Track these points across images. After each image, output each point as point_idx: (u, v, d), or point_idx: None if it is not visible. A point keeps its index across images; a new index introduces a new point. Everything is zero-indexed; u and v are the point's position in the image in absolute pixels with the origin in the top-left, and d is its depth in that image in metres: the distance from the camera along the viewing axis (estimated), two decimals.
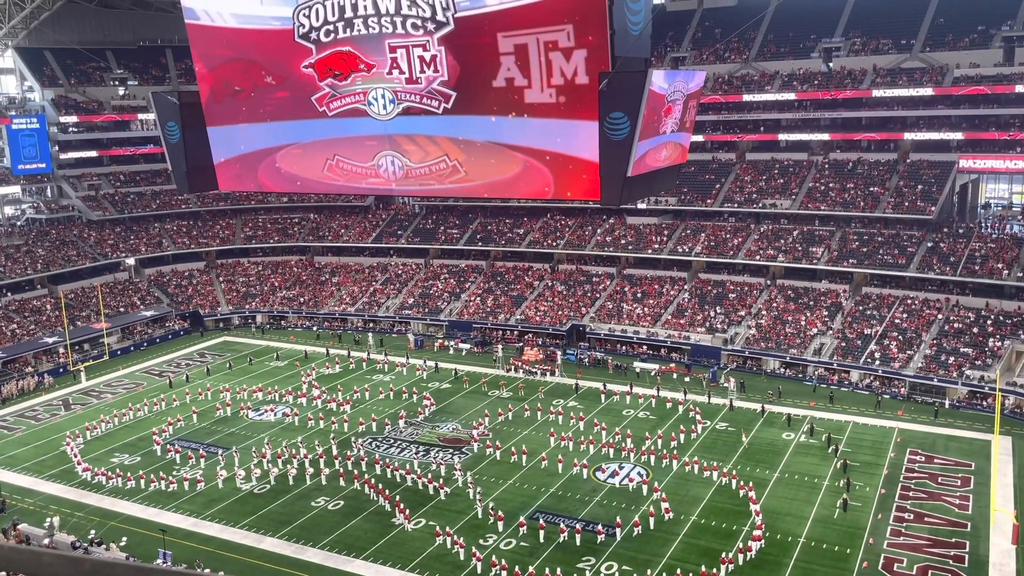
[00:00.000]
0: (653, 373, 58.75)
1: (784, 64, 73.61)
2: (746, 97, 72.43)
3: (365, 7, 22.07)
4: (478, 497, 40.19)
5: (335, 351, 67.47)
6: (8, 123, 77.69)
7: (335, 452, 46.22)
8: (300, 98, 24.74)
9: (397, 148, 23.99)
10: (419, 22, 21.53)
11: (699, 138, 74.32)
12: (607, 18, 19.75)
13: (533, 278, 74.74)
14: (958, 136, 65.82)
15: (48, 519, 38.39)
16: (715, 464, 43.00)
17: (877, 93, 66.85)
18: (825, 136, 71.52)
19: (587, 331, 66.78)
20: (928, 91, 65.26)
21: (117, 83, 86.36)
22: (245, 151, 27.15)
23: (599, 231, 74.95)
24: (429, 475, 42.93)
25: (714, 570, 33.48)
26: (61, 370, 63.38)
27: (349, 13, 22.41)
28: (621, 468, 43.74)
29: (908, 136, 67.75)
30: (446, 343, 68.29)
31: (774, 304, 64.22)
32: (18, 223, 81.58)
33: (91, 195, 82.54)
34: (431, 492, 41.44)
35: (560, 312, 69.09)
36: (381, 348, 67.61)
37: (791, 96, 70.47)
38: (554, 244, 75.68)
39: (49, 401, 57.64)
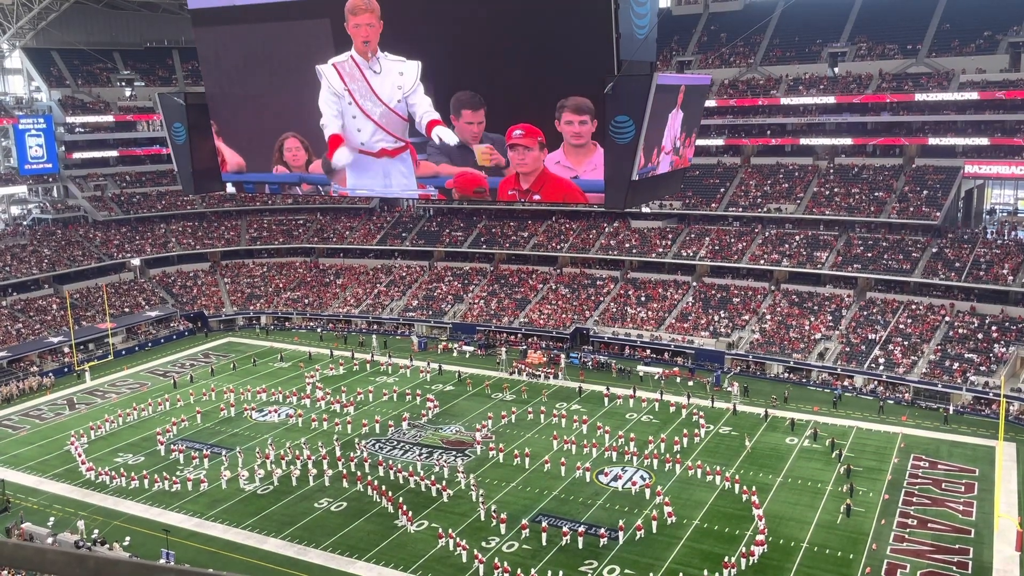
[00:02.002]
0: (656, 377, 58.69)
1: (790, 68, 73.59)
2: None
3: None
4: (481, 500, 40.18)
5: (339, 353, 67.53)
6: (15, 123, 77.98)
7: (338, 454, 46.28)
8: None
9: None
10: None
11: (704, 142, 74.32)
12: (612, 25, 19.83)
13: (537, 281, 74.75)
14: (968, 141, 65.49)
15: (51, 519, 38.52)
16: (718, 468, 42.94)
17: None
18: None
19: (591, 334, 66.76)
20: (933, 96, 65.08)
21: (124, 84, 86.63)
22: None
23: (603, 235, 74.95)
24: (432, 477, 42.96)
25: (716, 574, 33.45)
26: (66, 369, 63.54)
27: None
28: (624, 472, 43.70)
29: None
30: (450, 345, 68.32)
31: (778, 308, 64.14)
32: (24, 223, 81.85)
33: (97, 195, 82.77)
34: (434, 494, 41.44)
35: (564, 315, 69.08)
36: (385, 350, 67.65)
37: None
38: (558, 247, 75.69)
39: (54, 400, 57.77)
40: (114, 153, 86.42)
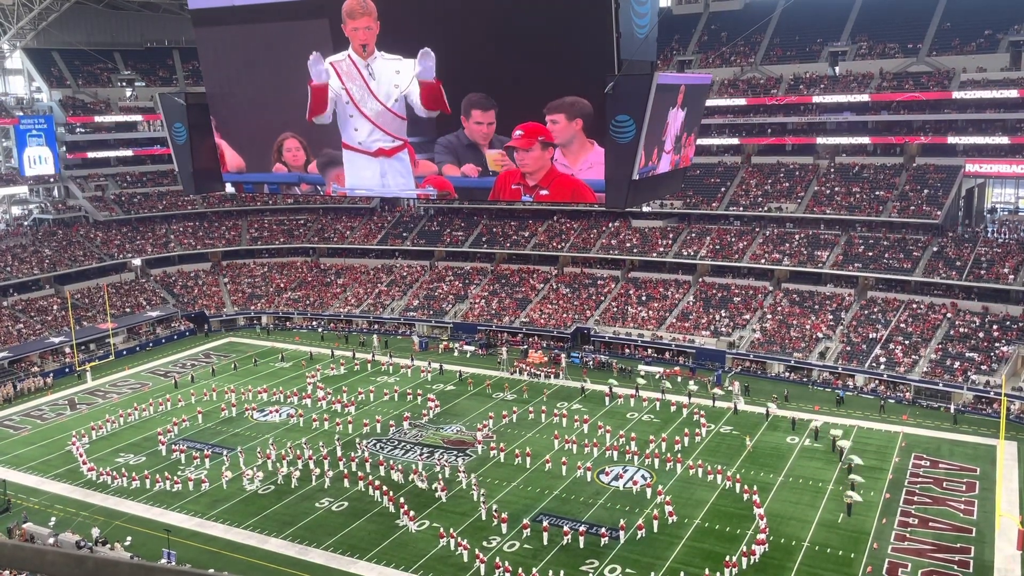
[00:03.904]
0: (657, 376, 58.64)
1: (790, 68, 73.54)
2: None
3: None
4: (482, 499, 40.19)
5: (340, 352, 67.53)
6: (16, 123, 78.02)
7: (339, 453, 46.30)
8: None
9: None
10: None
11: (710, 141, 74.39)
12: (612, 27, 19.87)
13: (538, 281, 74.75)
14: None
15: (52, 519, 38.53)
16: (719, 467, 42.93)
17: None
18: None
19: (592, 334, 66.74)
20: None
21: (124, 84, 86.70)
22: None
23: (604, 234, 74.93)
24: (427, 474, 42.91)
25: (717, 574, 33.45)
26: (67, 370, 63.56)
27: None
28: (625, 471, 43.69)
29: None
30: (451, 345, 68.32)
31: (779, 308, 64.11)
32: (25, 223, 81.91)
33: (98, 196, 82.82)
34: (436, 494, 41.40)
35: (565, 315, 69.07)
36: (386, 350, 67.66)
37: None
38: (559, 247, 75.68)
39: (55, 401, 57.80)
40: (115, 153, 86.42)
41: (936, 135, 66.80)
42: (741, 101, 72.69)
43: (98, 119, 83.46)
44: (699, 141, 72.70)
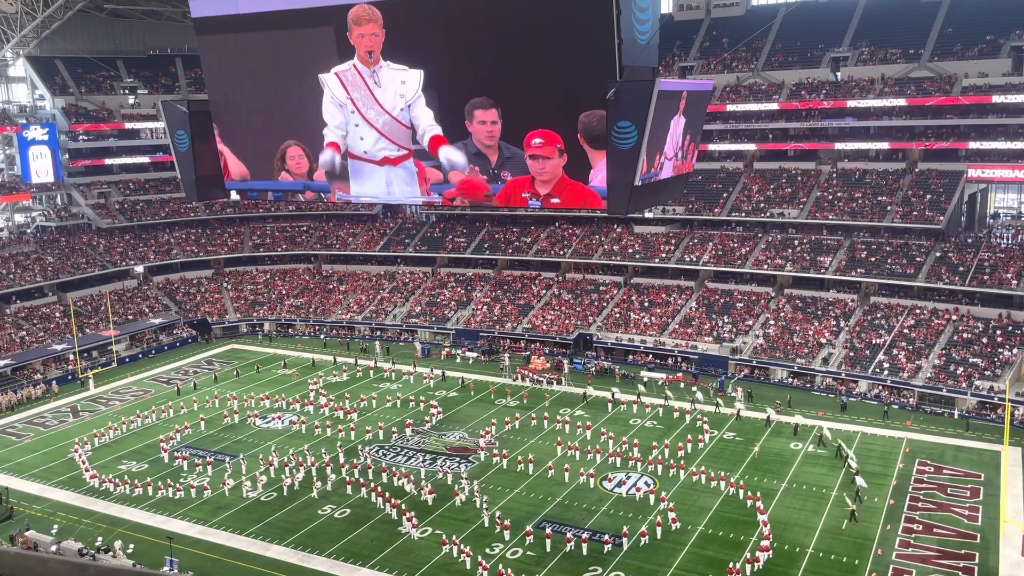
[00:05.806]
0: (660, 382, 58.54)
1: (792, 73, 73.60)
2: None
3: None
4: (484, 506, 40.11)
5: (342, 359, 67.48)
6: (19, 131, 78.20)
7: (342, 460, 46.24)
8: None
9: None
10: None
11: (716, 147, 74.40)
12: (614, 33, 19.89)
13: (540, 287, 74.72)
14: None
15: (55, 527, 38.48)
16: (722, 474, 42.84)
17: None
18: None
19: (594, 340, 66.67)
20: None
21: (127, 92, 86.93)
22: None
23: (606, 240, 74.93)
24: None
25: None
26: (70, 377, 63.55)
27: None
28: (628, 477, 43.60)
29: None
30: (453, 351, 68.29)
31: (782, 314, 64.03)
32: (28, 231, 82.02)
33: (100, 203, 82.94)
34: (437, 500, 41.33)
35: (567, 321, 69.02)
36: (388, 356, 67.63)
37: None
38: (561, 253, 75.68)
39: (57, 408, 57.78)
40: (117, 161, 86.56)
41: (938, 140, 66.72)
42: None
43: (101, 127, 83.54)
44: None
